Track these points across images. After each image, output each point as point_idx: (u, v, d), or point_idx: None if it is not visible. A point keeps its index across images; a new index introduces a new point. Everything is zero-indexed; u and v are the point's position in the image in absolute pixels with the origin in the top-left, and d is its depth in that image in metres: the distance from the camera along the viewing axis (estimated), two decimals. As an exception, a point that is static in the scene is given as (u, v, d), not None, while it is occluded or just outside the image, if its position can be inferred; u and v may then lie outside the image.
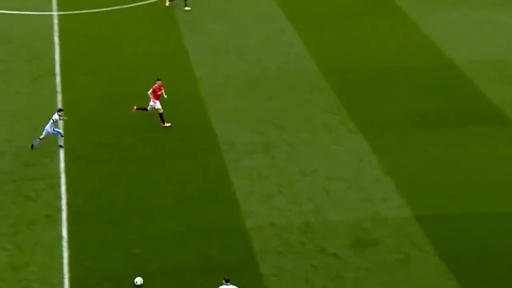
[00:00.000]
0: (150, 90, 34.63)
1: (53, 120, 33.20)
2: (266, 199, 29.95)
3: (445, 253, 26.97)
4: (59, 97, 37.38)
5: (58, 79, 39.20)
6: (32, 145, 33.24)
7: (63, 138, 33.43)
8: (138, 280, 25.86)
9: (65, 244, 27.56)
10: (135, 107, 35.02)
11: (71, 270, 26.33)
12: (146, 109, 34.84)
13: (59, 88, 38.32)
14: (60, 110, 33.64)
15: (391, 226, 28.37)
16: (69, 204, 29.67)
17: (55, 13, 46.76)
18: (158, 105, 34.55)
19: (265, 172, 31.57)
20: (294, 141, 33.65)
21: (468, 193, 30.09)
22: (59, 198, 30.00)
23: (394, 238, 27.78)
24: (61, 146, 33.41)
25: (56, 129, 33.43)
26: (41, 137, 33.12)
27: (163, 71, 38.43)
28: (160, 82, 34.70)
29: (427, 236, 27.79)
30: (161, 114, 34.57)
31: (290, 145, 33.36)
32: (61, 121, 33.54)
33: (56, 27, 45.07)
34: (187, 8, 47.48)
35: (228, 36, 43.80)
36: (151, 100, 34.55)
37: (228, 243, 27.69)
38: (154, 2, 48.25)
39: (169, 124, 34.55)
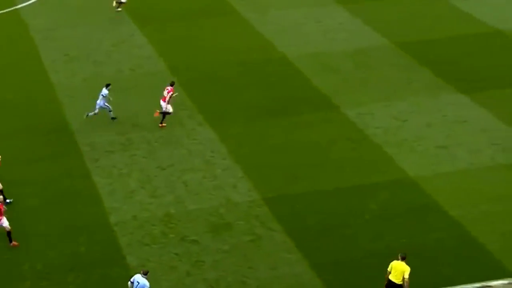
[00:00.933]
0: (167, 94, 32.81)
1: (102, 95, 33.35)
2: (128, 195, 28.88)
3: (290, 230, 26.93)
4: None
5: None
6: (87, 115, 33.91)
7: (111, 112, 33.83)
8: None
9: None
10: (157, 111, 33.35)
11: None
12: (168, 113, 33.22)
13: None
14: (108, 85, 33.54)
15: (242, 210, 28.05)
16: None
17: None
18: (170, 108, 33.02)
19: (125, 170, 30.44)
20: (151, 138, 32.61)
21: (307, 174, 30.17)
22: None
23: (246, 220, 27.48)
24: (113, 118, 33.87)
25: (106, 104, 33.55)
26: (96, 111, 33.64)
27: (19, 80, 36.43)
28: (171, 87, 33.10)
29: (274, 216, 27.65)
30: (164, 113, 32.95)
31: (148, 143, 32.29)
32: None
33: None
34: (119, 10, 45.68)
35: (81, 41, 42.05)
36: (164, 103, 32.96)
37: (96, 239, 26.52)
38: (5, 12, 45.70)
39: (164, 125, 33.12)
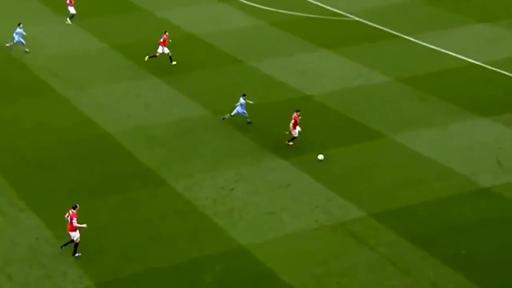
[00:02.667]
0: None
1: (241, 103, 38.82)
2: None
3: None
4: None
5: None
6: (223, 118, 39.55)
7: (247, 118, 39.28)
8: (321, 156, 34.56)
9: None
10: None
11: None
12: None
13: None
14: (244, 95, 39.10)
15: (74, 299, 26.88)
16: None
17: None
18: None
19: None
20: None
21: (140, 253, 29.43)
22: None
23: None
24: (249, 123, 39.46)
25: (243, 111, 39.00)
26: (232, 114, 39.20)
27: None
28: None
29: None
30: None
31: (-35, 236, 30.27)
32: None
33: None
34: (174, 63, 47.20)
35: None
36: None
37: None
38: None
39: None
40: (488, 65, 47.00)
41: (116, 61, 48.35)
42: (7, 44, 48.85)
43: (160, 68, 47.11)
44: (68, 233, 29.46)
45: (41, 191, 33.77)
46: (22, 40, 48.42)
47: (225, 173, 35.44)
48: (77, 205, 29.75)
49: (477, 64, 47.28)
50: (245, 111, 39.15)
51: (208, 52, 50.22)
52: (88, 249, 29.57)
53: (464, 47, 50.01)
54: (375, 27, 54.02)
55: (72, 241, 29.33)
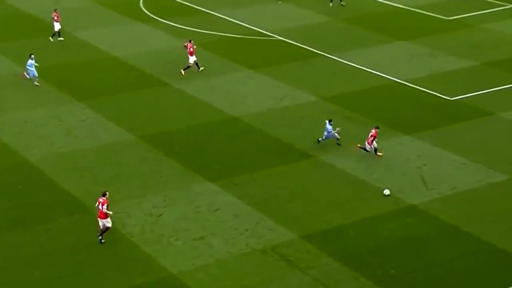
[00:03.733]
0: None
1: (327, 129, 39.06)
2: None
3: None
4: None
5: None
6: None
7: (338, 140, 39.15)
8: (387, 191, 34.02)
9: None
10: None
11: None
12: None
13: None
14: (330, 120, 39.26)
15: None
16: None
17: None
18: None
19: None
20: None
21: (66, 287, 28.31)
22: None
23: None
24: (338, 144, 39.27)
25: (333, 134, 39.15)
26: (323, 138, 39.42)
27: None
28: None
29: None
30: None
31: None
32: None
33: None
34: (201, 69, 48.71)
35: None
36: None
37: None
38: None
39: None
40: (408, 82, 47.60)
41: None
42: None
43: (83, 92, 46.01)
44: (100, 220, 31.03)
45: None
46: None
47: (152, 198, 34.54)
48: (107, 192, 31.43)
49: (398, 82, 47.90)
50: (336, 134, 38.93)
51: (131, 75, 49.28)
52: (12, 283, 28.28)
53: (385, 65, 50.59)
54: (299, 46, 54.14)
55: (107, 228, 31.05)
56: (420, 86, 46.95)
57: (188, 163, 37.82)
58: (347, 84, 47.85)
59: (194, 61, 48.71)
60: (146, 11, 62.53)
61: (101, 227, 31.14)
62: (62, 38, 50.38)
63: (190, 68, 48.61)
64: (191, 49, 48.44)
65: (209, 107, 44.62)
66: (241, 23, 59.44)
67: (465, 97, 45.35)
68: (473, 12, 61.21)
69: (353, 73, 49.74)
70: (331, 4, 63.13)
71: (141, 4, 64.19)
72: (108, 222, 31.01)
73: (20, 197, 34.59)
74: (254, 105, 44.84)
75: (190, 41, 48.94)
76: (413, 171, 37.08)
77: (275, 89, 47.24)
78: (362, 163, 37.78)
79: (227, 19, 60.58)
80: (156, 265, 29.79)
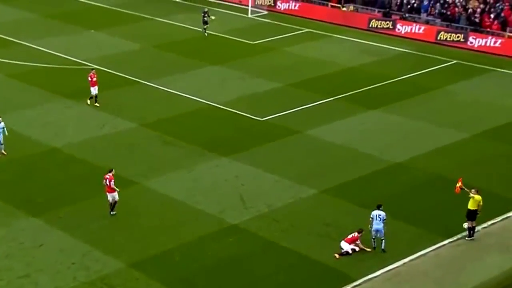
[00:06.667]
0: None
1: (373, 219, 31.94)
2: None
3: None
4: None
5: None
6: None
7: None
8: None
9: None
10: None
11: None
12: None
13: None
14: (380, 205, 31.91)
15: None
16: None
17: None
18: None
19: None
20: None
21: None
22: None
23: None
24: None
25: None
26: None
27: None
28: None
29: None
30: None
31: None
32: None
33: None
34: None
35: None
36: None
37: None
38: None
39: None
40: (222, 105, 48.08)
41: None
42: None
43: None
44: (107, 194, 33.80)
45: None
46: None
47: (-27, 238, 32.32)
48: (113, 169, 34.18)
49: (213, 105, 48.27)
50: (382, 231, 31.68)
51: None
52: None
53: (200, 89, 50.79)
54: (115, 74, 53.11)
55: (115, 202, 33.73)
56: (233, 109, 47.59)
57: (9, 199, 35.68)
58: (165, 109, 47.47)
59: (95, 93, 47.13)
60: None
61: (110, 201, 33.74)
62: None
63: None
64: (94, 79, 46.84)
65: (28, 140, 42.49)
66: (56, 53, 57.29)
67: (274, 117, 46.42)
68: (274, 36, 63.22)
69: (170, 98, 49.48)
70: (206, 34, 62.96)
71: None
72: (115, 197, 33.73)
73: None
74: (74, 135, 43.28)
75: (92, 70, 47.44)
76: (233, 191, 37.38)
77: (94, 117, 45.90)
78: (183, 187, 37.58)
79: (42, 50, 58.33)
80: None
